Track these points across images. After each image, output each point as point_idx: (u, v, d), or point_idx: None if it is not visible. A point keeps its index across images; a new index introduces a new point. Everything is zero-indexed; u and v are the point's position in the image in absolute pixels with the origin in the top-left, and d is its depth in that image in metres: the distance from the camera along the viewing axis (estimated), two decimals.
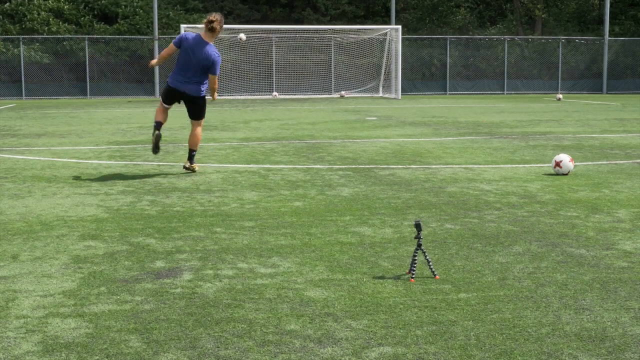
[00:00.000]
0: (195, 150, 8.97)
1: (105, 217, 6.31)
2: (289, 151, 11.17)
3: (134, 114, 20.84)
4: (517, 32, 39.86)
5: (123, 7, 34.59)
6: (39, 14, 33.07)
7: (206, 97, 9.09)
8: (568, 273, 4.56)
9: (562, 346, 3.39)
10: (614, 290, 4.22)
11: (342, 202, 6.94)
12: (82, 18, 34.08)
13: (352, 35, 32.64)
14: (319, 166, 9.46)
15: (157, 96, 32.02)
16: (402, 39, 32.22)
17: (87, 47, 32.20)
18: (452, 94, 34.87)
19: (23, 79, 31.44)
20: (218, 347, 3.38)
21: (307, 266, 4.73)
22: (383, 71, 32.61)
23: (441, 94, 34.88)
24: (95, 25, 34.06)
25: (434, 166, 9.48)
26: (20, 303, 4.01)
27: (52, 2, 33.73)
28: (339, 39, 32.91)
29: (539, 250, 5.13)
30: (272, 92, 31.76)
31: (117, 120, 18.28)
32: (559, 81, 36.39)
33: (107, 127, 15.92)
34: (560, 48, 36.46)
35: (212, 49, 8.58)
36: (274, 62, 32.57)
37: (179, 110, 22.05)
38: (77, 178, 8.53)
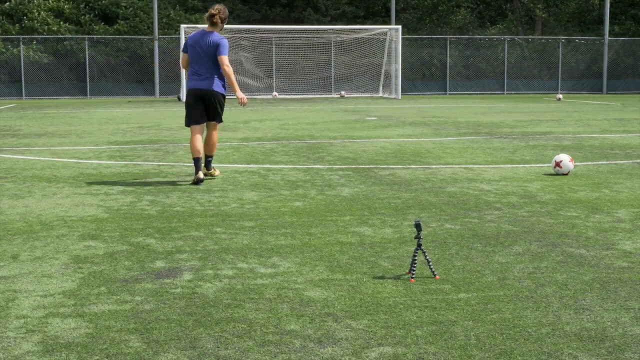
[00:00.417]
0: (211, 156, 8.57)
1: (105, 217, 6.31)
2: (289, 151, 11.17)
3: (134, 114, 20.84)
4: (517, 32, 39.87)
5: (124, 7, 34.59)
6: (39, 14, 33.07)
7: (224, 95, 8.51)
8: (568, 273, 4.56)
9: (562, 346, 3.39)
10: (614, 290, 4.22)
11: (342, 202, 6.94)
12: (83, 17, 34.08)
13: (352, 35, 32.64)
14: (319, 166, 9.46)
15: (157, 96, 32.04)
16: (402, 39, 32.22)
17: (87, 47, 32.20)
18: (452, 94, 34.88)
19: (23, 79, 31.45)
20: (218, 347, 3.38)
21: (307, 266, 4.73)
22: (383, 71, 32.62)
23: (441, 94, 34.89)
24: (95, 26, 34.05)
25: (434, 166, 9.48)
26: (20, 303, 4.01)
27: (52, 2, 33.73)
28: (339, 39, 32.91)
29: (539, 250, 5.13)
30: (272, 92, 31.76)
31: (117, 120, 18.28)
32: (559, 81, 36.40)
33: (107, 127, 15.92)
34: (560, 48, 36.47)
35: (216, 35, 8.22)
36: (274, 62, 32.57)
37: (178, 110, 21.77)
38: (77, 178, 8.53)
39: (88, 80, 32.17)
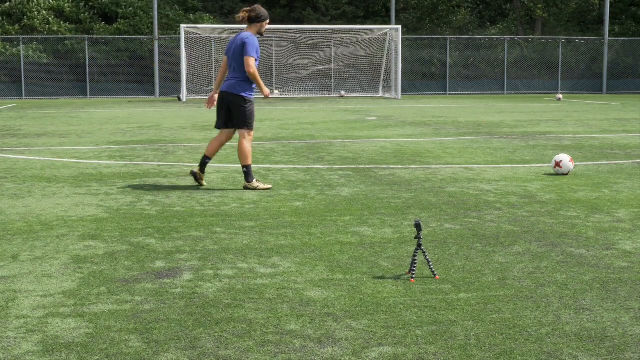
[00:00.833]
0: (246, 167, 7.77)
1: (105, 217, 6.31)
2: (289, 151, 11.17)
3: (134, 114, 20.84)
4: (517, 32, 39.87)
5: (123, 7, 34.59)
6: (39, 13, 33.06)
7: (250, 100, 7.77)
8: (568, 273, 4.56)
9: (562, 346, 3.39)
10: (614, 290, 4.22)
11: (342, 202, 6.94)
12: (82, 15, 34.07)
13: (352, 35, 32.64)
14: (319, 166, 9.46)
15: (157, 96, 32.03)
16: (402, 39, 32.23)
17: (87, 47, 32.20)
18: (452, 94, 34.88)
19: (23, 79, 31.45)
20: (218, 347, 3.38)
21: (307, 266, 4.73)
22: (383, 71, 32.62)
23: (441, 94, 34.88)
24: (95, 24, 34.04)
25: (434, 166, 9.48)
26: (20, 303, 4.01)
27: (53, 1, 33.74)
28: (339, 39, 32.91)
29: (539, 250, 5.12)
30: (273, 90, 31.75)
31: (117, 120, 18.28)
32: (559, 81, 36.40)
33: (107, 127, 15.92)
34: (560, 48, 36.47)
35: (245, 33, 7.72)
36: (274, 62, 32.56)
37: (178, 110, 21.76)
38: (77, 178, 8.53)
39: (88, 80, 32.17)
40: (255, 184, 7.75)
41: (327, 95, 32.26)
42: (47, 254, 5.04)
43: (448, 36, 36.31)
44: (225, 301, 4.02)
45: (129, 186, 7.94)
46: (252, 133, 7.84)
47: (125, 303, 4.00)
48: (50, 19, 33.19)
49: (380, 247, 5.23)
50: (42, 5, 33.44)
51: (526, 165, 9.58)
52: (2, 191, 7.64)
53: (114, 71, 32.99)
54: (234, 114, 7.77)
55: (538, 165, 9.63)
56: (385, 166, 9.47)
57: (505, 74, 36.02)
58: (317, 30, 32.75)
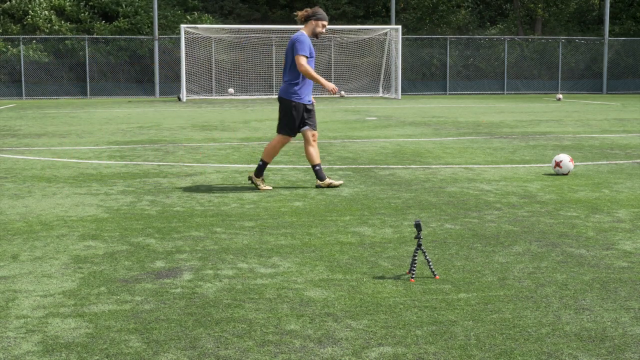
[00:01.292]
0: (316, 165, 7.71)
1: (105, 217, 6.31)
2: (289, 151, 11.17)
3: (134, 114, 20.84)
4: (517, 32, 39.87)
5: (124, 6, 34.59)
6: (41, 12, 33.06)
7: (295, 105, 7.61)
8: (568, 273, 4.56)
9: (562, 346, 3.39)
10: (614, 290, 4.22)
11: (342, 202, 6.94)
12: (82, 14, 34.07)
13: (352, 35, 32.64)
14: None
15: (157, 96, 32.02)
16: (402, 39, 32.22)
17: (87, 47, 32.20)
18: (452, 94, 34.87)
19: (23, 78, 31.44)
20: (218, 347, 3.38)
21: (307, 266, 4.73)
22: (383, 71, 32.61)
23: (441, 94, 34.88)
24: (95, 23, 34.04)
25: (434, 166, 9.48)
26: (20, 303, 4.01)
27: (54, 0, 33.77)
28: (339, 39, 32.91)
29: (539, 250, 5.12)
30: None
31: (117, 120, 18.28)
32: (559, 81, 36.39)
33: (107, 127, 15.92)
34: (560, 48, 36.47)
35: (297, 33, 7.60)
36: (274, 62, 32.56)
37: (178, 110, 21.77)
38: (77, 178, 8.53)
39: (88, 80, 32.17)
40: (327, 181, 7.77)
41: (327, 95, 32.26)
42: (47, 254, 5.04)
43: (448, 36, 36.30)
44: (225, 301, 4.02)
45: (129, 186, 7.94)
46: (315, 134, 7.77)
47: (125, 303, 4.00)
48: (52, 18, 33.19)
49: (380, 247, 5.23)
50: (44, 5, 33.44)
51: (526, 165, 9.58)
52: (2, 191, 7.64)
53: (114, 71, 32.99)
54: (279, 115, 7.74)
55: (538, 165, 9.63)
56: (385, 166, 9.47)
57: (505, 74, 36.02)
58: None
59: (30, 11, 33.05)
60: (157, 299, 4.07)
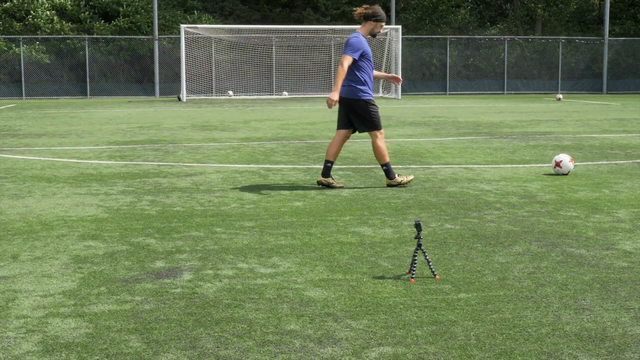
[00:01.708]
0: (384, 164, 7.80)
1: (105, 217, 6.31)
2: (289, 151, 11.17)
3: (134, 114, 20.84)
4: (517, 32, 39.87)
5: (124, 5, 34.59)
6: (43, 12, 33.05)
7: (369, 101, 7.84)
8: (568, 273, 4.56)
9: (562, 346, 3.39)
10: (614, 290, 4.22)
11: (342, 202, 6.94)
12: (83, 14, 34.07)
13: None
14: (319, 166, 9.45)
15: (157, 96, 32.03)
16: (402, 39, 32.22)
17: (87, 47, 32.20)
18: (452, 94, 34.87)
19: (23, 78, 31.45)
20: (218, 347, 3.38)
21: (307, 266, 4.73)
22: (383, 71, 32.61)
23: (441, 94, 34.88)
24: (96, 23, 34.03)
25: (434, 166, 9.48)
26: (20, 303, 4.01)
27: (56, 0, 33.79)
28: (339, 39, 32.91)
29: (539, 250, 5.12)
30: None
31: (117, 120, 18.28)
32: (559, 81, 36.40)
33: (107, 127, 15.92)
34: (560, 48, 36.47)
35: (353, 34, 7.65)
36: (274, 62, 32.57)
37: (178, 110, 21.74)
38: (77, 178, 8.53)
39: (88, 80, 32.18)
40: (398, 179, 7.78)
41: (327, 95, 32.23)
42: (47, 254, 5.04)
43: (448, 36, 36.31)
44: (225, 301, 4.02)
45: (129, 186, 7.94)
46: (382, 132, 7.93)
47: (125, 303, 4.00)
48: (54, 18, 33.20)
49: (380, 247, 5.23)
50: (46, 5, 33.44)
51: (526, 165, 9.58)
52: (2, 191, 7.64)
53: (114, 71, 32.99)
54: (357, 118, 7.94)
55: (538, 165, 9.63)
56: None
57: (505, 74, 36.02)
58: (317, 30, 32.74)
59: (32, 11, 33.05)
60: (157, 299, 4.07)
